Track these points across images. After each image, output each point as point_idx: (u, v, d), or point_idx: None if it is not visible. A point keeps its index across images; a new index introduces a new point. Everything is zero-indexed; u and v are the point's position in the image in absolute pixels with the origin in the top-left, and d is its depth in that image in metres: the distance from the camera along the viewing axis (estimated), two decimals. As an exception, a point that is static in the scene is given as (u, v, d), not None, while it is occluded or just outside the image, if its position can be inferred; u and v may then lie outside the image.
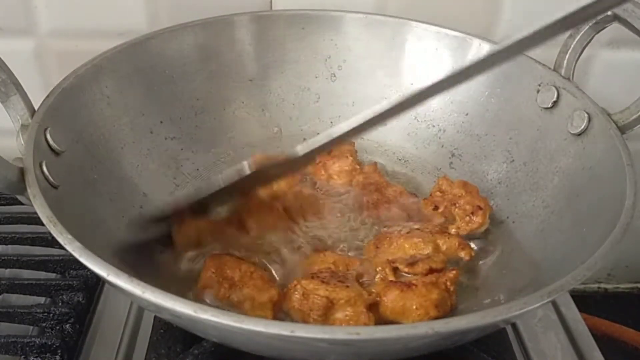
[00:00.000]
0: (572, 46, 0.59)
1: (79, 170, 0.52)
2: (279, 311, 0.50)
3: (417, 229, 0.58)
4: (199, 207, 0.54)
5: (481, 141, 0.65)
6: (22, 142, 0.48)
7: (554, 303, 0.61)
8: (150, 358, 0.52)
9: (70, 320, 0.55)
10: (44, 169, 0.47)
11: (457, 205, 0.59)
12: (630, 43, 0.72)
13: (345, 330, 0.35)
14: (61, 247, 0.41)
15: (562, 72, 0.60)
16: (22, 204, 0.46)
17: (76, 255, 0.40)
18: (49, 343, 0.52)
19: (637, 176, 0.49)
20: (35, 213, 0.43)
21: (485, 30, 0.71)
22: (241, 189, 0.54)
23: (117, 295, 0.58)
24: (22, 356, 0.52)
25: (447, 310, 0.51)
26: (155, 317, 0.55)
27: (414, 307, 0.49)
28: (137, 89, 0.62)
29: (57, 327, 0.54)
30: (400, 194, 0.62)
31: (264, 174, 0.52)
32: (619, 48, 0.73)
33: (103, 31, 0.70)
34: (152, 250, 0.53)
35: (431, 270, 0.52)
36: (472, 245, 0.58)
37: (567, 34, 0.59)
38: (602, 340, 0.59)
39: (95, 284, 0.60)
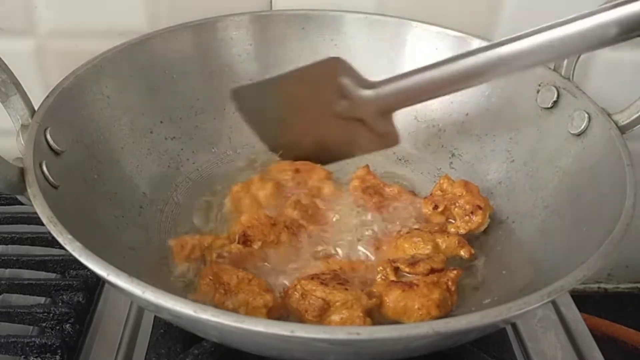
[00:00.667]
0: (572, 46, 0.59)
1: (79, 170, 0.52)
2: (276, 317, 0.49)
3: (417, 229, 0.58)
4: None
5: (481, 141, 0.65)
6: (22, 142, 0.48)
7: (554, 303, 0.61)
8: (150, 358, 0.52)
9: (70, 320, 0.55)
10: (44, 169, 0.47)
11: (457, 204, 0.59)
12: (630, 43, 0.72)
13: (345, 330, 0.35)
14: (61, 247, 0.41)
15: (562, 72, 0.60)
16: (22, 204, 0.46)
17: (76, 255, 0.40)
18: (49, 343, 0.52)
19: (637, 176, 0.49)
20: (35, 213, 0.43)
21: (485, 30, 0.71)
22: None
23: (117, 295, 0.58)
24: (22, 356, 0.52)
25: (449, 310, 0.51)
26: (155, 317, 0.55)
27: (416, 306, 0.49)
28: (137, 89, 0.62)
29: (57, 327, 0.54)
30: (399, 193, 0.62)
31: None
32: (619, 48, 0.73)
33: (103, 31, 0.70)
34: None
35: (432, 271, 0.52)
36: (473, 244, 0.58)
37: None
38: (602, 340, 0.59)
39: (95, 284, 0.60)
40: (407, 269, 0.52)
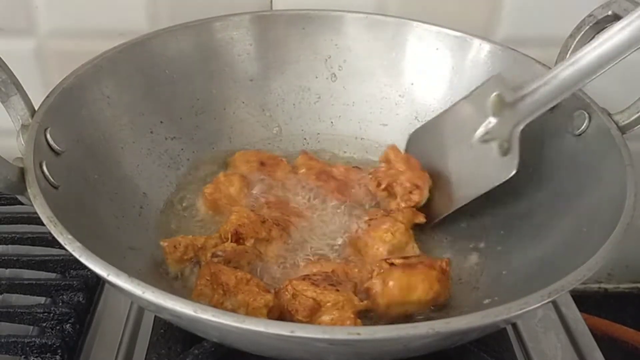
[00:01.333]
0: (573, 46, 0.59)
1: (79, 170, 0.52)
2: (275, 317, 0.49)
3: (373, 219, 0.59)
4: None
5: (481, 141, 0.65)
6: (22, 142, 0.48)
7: (554, 303, 0.61)
8: (150, 358, 0.52)
9: (70, 320, 0.55)
10: (44, 169, 0.47)
11: (397, 181, 0.61)
12: (630, 43, 0.72)
13: (345, 330, 0.35)
14: (61, 247, 0.41)
15: (563, 72, 0.60)
16: (22, 204, 0.46)
17: (76, 255, 0.40)
18: (49, 343, 0.52)
19: (637, 176, 0.49)
20: (35, 213, 0.43)
21: (486, 30, 0.71)
22: None
23: (117, 295, 0.58)
24: (22, 356, 0.52)
25: (447, 290, 0.52)
26: (155, 317, 0.55)
27: (420, 279, 0.51)
28: (137, 89, 0.62)
29: (57, 327, 0.54)
30: (347, 171, 0.64)
31: None
32: (619, 48, 0.73)
33: (103, 31, 0.70)
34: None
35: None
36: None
37: (568, 33, 0.59)
38: (602, 340, 0.59)
39: (95, 284, 0.60)
40: (401, 260, 0.53)
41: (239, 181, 0.61)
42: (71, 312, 0.55)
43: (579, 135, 0.56)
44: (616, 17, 0.55)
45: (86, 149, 0.55)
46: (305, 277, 0.50)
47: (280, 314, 0.49)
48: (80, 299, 0.57)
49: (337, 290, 0.49)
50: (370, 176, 0.63)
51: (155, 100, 0.63)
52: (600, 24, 0.57)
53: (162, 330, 0.53)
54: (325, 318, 0.48)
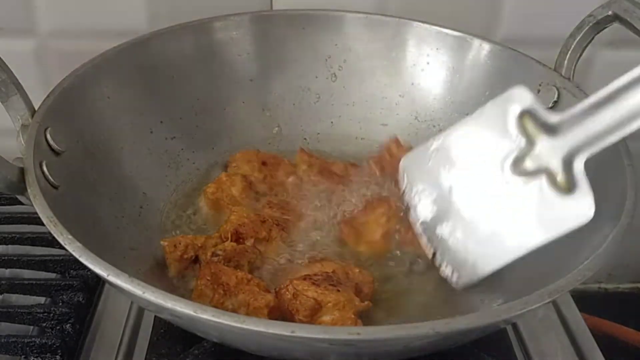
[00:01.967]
0: (573, 46, 0.59)
1: (79, 170, 0.52)
2: (276, 317, 0.49)
3: (370, 201, 0.60)
4: None
5: (481, 141, 0.65)
6: (22, 142, 0.48)
7: (554, 303, 0.61)
8: (150, 358, 0.52)
9: (70, 320, 0.55)
10: (44, 169, 0.47)
11: None
12: (630, 43, 0.72)
13: (346, 331, 0.36)
14: (61, 247, 0.41)
15: (563, 72, 0.60)
16: (22, 204, 0.46)
17: (76, 255, 0.40)
18: (49, 343, 0.52)
19: (637, 176, 0.49)
20: (35, 213, 0.43)
21: (486, 30, 0.71)
22: None
23: (117, 295, 0.58)
24: (22, 356, 0.52)
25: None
26: (155, 317, 0.55)
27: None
28: (137, 89, 0.62)
29: (57, 327, 0.54)
30: (346, 168, 0.64)
31: None
32: (619, 48, 0.73)
33: (103, 31, 0.70)
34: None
35: None
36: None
37: (568, 33, 0.59)
38: (603, 340, 0.59)
39: (95, 284, 0.60)
40: None
41: (241, 181, 0.60)
42: (71, 312, 0.55)
43: (579, 135, 0.56)
44: (616, 17, 0.55)
45: (86, 149, 0.55)
46: (306, 277, 0.50)
47: (280, 313, 0.49)
48: (80, 299, 0.57)
49: (338, 291, 0.49)
50: (373, 162, 0.63)
51: (155, 100, 0.63)
52: (600, 24, 0.57)
53: (162, 330, 0.53)
54: (326, 318, 0.47)
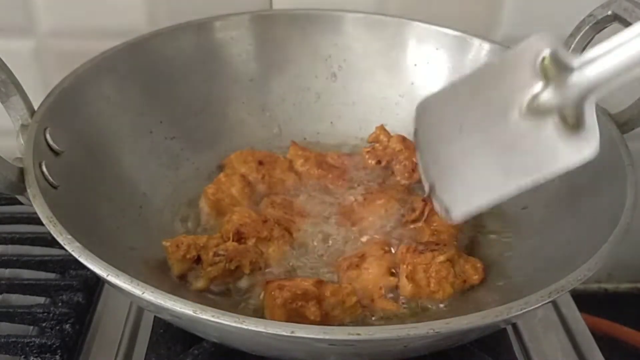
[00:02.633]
0: (573, 46, 0.59)
1: (79, 170, 0.52)
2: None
3: (369, 193, 0.60)
4: None
5: (481, 141, 0.65)
6: (22, 142, 0.48)
7: (554, 303, 0.61)
8: (150, 358, 0.52)
9: (70, 320, 0.55)
10: (44, 169, 0.47)
11: (397, 159, 0.62)
12: (630, 43, 0.72)
13: (345, 331, 0.35)
14: (61, 247, 0.41)
15: (563, 72, 0.59)
16: (22, 204, 0.46)
17: (76, 255, 0.40)
18: (49, 343, 0.52)
19: (637, 176, 0.49)
20: (35, 213, 0.43)
21: (486, 30, 0.71)
22: None
23: (117, 295, 0.58)
24: (22, 356, 0.52)
25: None
26: (155, 317, 0.55)
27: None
28: (137, 89, 0.62)
29: (57, 327, 0.54)
30: (340, 158, 0.65)
31: None
32: (619, 48, 0.73)
33: (103, 31, 0.70)
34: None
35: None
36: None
37: (568, 33, 0.59)
38: (602, 340, 0.59)
39: (95, 284, 0.60)
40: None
41: (239, 181, 0.61)
42: (71, 312, 0.55)
43: (579, 135, 0.56)
44: (616, 17, 0.55)
45: (86, 149, 0.55)
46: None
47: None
48: (80, 299, 0.57)
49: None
50: (367, 154, 0.64)
51: (155, 100, 0.63)
52: (600, 24, 0.57)
53: (161, 330, 0.53)
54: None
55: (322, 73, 0.70)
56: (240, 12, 0.68)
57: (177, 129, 0.64)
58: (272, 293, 0.49)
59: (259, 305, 0.51)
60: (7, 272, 0.60)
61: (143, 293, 0.37)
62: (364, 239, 0.57)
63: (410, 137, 0.65)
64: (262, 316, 0.49)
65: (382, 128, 0.65)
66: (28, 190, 0.44)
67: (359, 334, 0.35)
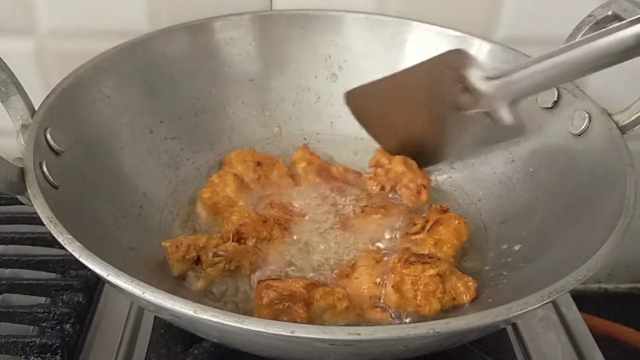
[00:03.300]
0: (572, 46, 0.59)
1: (79, 170, 0.52)
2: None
3: (368, 206, 0.61)
4: None
5: (481, 141, 0.65)
6: (22, 142, 0.48)
7: (554, 303, 0.61)
8: (150, 358, 0.52)
9: (70, 320, 0.55)
10: (44, 169, 0.47)
11: (401, 183, 0.62)
12: (630, 43, 0.72)
13: (345, 331, 0.35)
14: (61, 247, 0.41)
15: (563, 72, 0.60)
16: (22, 204, 0.46)
17: (76, 255, 0.40)
18: (49, 343, 0.52)
19: (637, 176, 0.49)
20: (35, 213, 0.43)
21: (485, 30, 0.71)
22: None
23: (117, 295, 0.58)
24: (22, 356, 0.52)
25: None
26: (155, 317, 0.55)
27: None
28: (137, 88, 0.62)
29: (57, 327, 0.54)
30: (345, 171, 0.65)
31: None
32: (619, 48, 0.73)
33: (103, 31, 0.70)
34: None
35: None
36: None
37: (568, 33, 0.59)
38: (602, 340, 0.59)
39: (95, 284, 0.60)
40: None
41: (233, 181, 0.61)
42: (71, 312, 0.55)
43: (579, 135, 0.56)
44: (616, 17, 0.55)
45: (86, 149, 0.55)
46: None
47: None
48: (80, 299, 0.57)
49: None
50: (370, 181, 0.64)
51: (155, 100, 0.63)
52: (600, 24, 0.57)
53: (162, 330, 0.53)
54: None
55: (322, 73, 0.70)
56: (240, 12, 0.68)
57: (177, 129, 0.65)
58: (260, 293, 0.49)
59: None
60: (7, 272, 0.61)
61: (143, 293, 0.37)
62: (360, 245, 0.57)
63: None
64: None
65: (382, 151, 0.65)
66: (28, 190, 0.44)
67: (359, 334, 0.35)
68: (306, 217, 0.60)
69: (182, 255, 0.52)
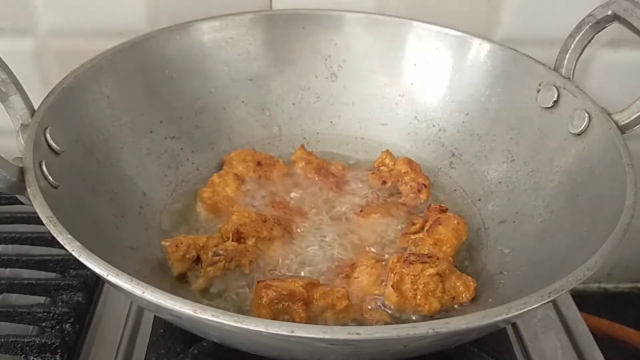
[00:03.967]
0: (573, 46, 0.59)
1: (79, 170, 0.52)
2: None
3: (367, 206, 0.61)
4: None
5: (481, 141, 0.65)
6: (22, 141, 0.48)
7: (554, 303, 0.61)
8: (150, 358, 0.52)
9: (70, 320, 0.55)
10: (44, 168, 0.47)
11: (402, 181, 0.63)
12: (630, 43, 0.72)
13: (345, 330, 0.35)
14: (61, 247, 0.41)
15: (563, 71, 0.60)
16: (22, 203, 0.46)
17: (76, 255, 0.40)
18: (49, 343, 0.52)
19: (637, 176, 0.49)
20: (35, 213, 0.43)
21: (485, 30, 0.71)
22: None
23: (117, 295, 0.58)
24: (22, 356, 0.52)
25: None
26: (155, 317, 0.55)
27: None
28: (137, 88, 0.62)
29: (57, 327, 0.54)
30: (344, 170, 0.65)
31: None
32: (619, 48, 0.73)
33: (103, 31, 0.70)
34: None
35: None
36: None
37: (568, 33, 0.59)
38: (602, 340, 0.59)
39: (95, 283, 0.60)
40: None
41: (233, 180, 0.61)
42: (71, 311, 0.55)
43: (579, 135, 0.56)
44: (616, 17, 0.55)
45: (86, 148, 0.55)
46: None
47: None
48: (80, 299, 0.57)
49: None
50: (372, 176, 0.64)
51: (155, 100, 0.63)
52: (600, 24, 0.57)
53: (161, 330, 0.53)
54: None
55: (322, 73, 0.70)
56: (240, 12, 0.68)
57: (177, 128, 0.65)
58: (259, 292, 0.49)
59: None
60: (7, 272, 0.61)
61: (143, 293, 0.37)
62: (360, 245, 0.57)
63: (414, 149, 0.68)
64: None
65: (387, 153, 0.66)
66: (28, 190, 0.44)
67: (359, 334, 0.35)
68: (306, 217, 0.60)
69: (182, 254, 0.52)
